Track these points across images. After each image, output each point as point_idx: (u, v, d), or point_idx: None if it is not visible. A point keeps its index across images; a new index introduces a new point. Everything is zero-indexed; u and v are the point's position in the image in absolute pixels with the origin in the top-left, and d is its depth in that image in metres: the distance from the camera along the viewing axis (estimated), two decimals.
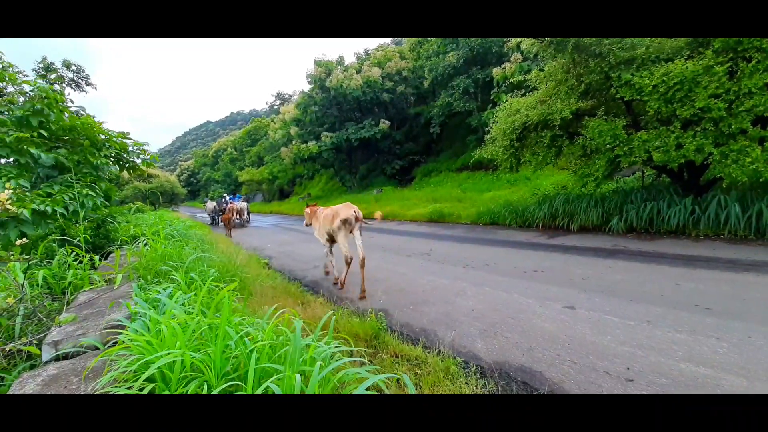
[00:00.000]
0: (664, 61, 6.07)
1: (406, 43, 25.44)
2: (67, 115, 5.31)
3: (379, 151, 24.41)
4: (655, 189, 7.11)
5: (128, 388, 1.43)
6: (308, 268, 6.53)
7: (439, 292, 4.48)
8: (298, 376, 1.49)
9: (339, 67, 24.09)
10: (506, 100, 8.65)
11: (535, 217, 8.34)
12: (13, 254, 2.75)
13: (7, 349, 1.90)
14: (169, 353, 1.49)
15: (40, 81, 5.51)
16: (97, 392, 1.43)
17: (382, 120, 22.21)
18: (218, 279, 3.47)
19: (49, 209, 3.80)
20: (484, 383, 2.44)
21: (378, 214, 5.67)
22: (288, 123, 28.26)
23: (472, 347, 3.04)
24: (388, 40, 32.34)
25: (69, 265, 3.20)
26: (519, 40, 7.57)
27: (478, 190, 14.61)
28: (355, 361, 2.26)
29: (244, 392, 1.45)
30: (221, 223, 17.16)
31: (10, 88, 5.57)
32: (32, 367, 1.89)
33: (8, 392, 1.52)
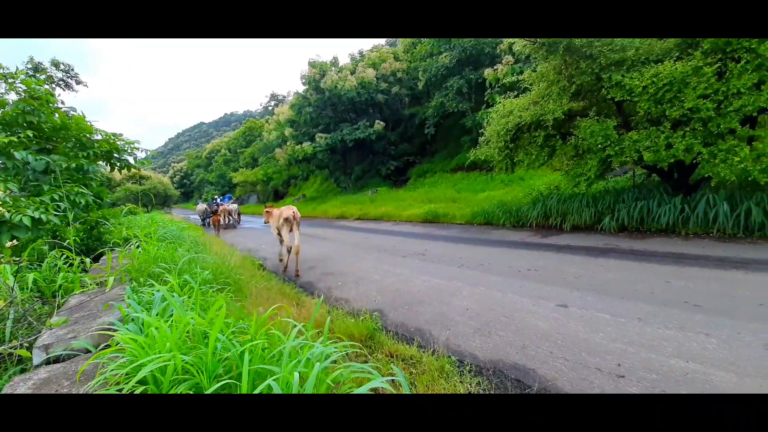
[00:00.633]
0: (654, 63, 6.16)
1: (401, 44, 25.51)
2: (57, 115, 5.24)
3: (373, 151, 24.40)
4: (645, 188, 7.21)
5: (119, 391, 1.42)
6: (303, 269, 6.51)
7: (434, 292, 4.50)
8: (296, 374, 1.49)
9: (333, 68, 24.06)
10: (499, 102, 8.72)
11: (529, 217, 8.40)
12: (3, 257, 2.71)
13: None
14: (160, 356, 1.49)
15: (39, 86, 5.42)
16: (104, 392, 1.42)
17: (377, 121, 22.23)
18: (212, 281, 3.45)
19: (44, 217, 3.75)
20: (479, 381, 2.46)
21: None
22: (282, 124, 28.14)
23: (466, 346, 3.06)
24: (382, 42, 32.38)
25: (59, 267, 3.16)
26: (511, 41, 7.63)
27: (472, 190, 14.69)
28: (350, 359, 2.26)
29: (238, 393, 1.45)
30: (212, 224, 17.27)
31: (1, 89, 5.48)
32: (23, 370, 1.87)
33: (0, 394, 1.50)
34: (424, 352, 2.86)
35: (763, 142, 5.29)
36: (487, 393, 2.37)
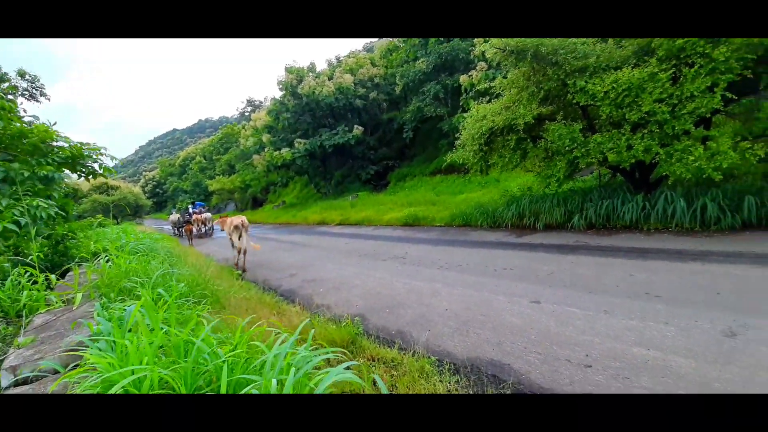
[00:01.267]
0: (614, 69, 6.55)
1: (377, 50, 25.79)
2: (18, 124, 4.99)
3: (353, 156, 24.44)
4: (610, 187, 7.61)
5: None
6: (284, 277, 6.45)
7: (415, 295, 4.58)
8: (274, 381, 1.51)
9: (311, 74, 24.01)
10: (473, 107, 8.99)
11: (504, 218, 8.67)
12: None
13: None
14: (133, 370, 1.47)
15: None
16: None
17: (356, 126, 22.30)
18: (188, 294, 3.38)
19: None
20: (457, 380, 2.54)
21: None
22: (260, 130, 27.71)
23: (445, 346, 3.14)
24: (359, 47, 32.57)
25: (23, 285, 3.02)
26: (483, 48, 7.88)
27: (451, 192, 14.98)
28: (332, 365, 2.29)
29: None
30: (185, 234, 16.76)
31: None
32: None
33: None
34: (404, 353, 2.92)
35: (716, 141, 5.70)
36: (486, 393, 2.42)
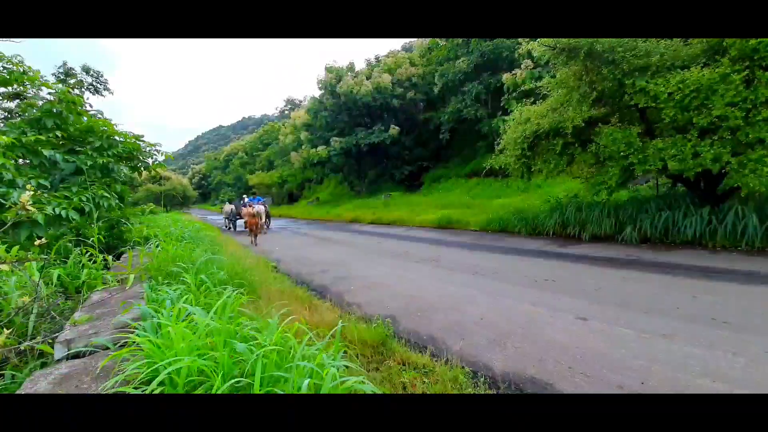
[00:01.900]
0: (680, 69, 5.97)
1: (416, 49, 25.63)
2: (85, 118, 5.46)
3: (388, 156, 24.49)
4: (670, 198, 6.96)
5: (135, 389, 1.43)
6: (316, 272, 6.53)
7: (448, 300, 4.43)
8: (306, 381, 1.47)
9: (349, 74, 24.36)
10: (517, 108, 8.61)
11: (546, 225, 8.22)
12: (32, 253, 2.81)
13: (21, 348, 1.93)
14: (177, 359, 1.50)
15: (60, 85, 5.69)
16: (107, 392, 1.44)
17: (392, 125, 22.31)
18: (227, 281, 3.50)
19: (64, 213, 3.89)
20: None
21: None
22: (298, 128, 28.61)
23: (481, 357, 2.98)
24: (398, 47, 32.62)
25: (83, 264, 3.26)
26: (530, 46, 7.51)
27: (487, 196, 14.51)
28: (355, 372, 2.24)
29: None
30: (239, 227, 16.02)
31: (30, 92, 5.76)
32: (44, 365, 1.91)
33: (21, 390, 1.54)
34: (437, 361, 2.80)
35: None
36: (486, 393, 2.33)
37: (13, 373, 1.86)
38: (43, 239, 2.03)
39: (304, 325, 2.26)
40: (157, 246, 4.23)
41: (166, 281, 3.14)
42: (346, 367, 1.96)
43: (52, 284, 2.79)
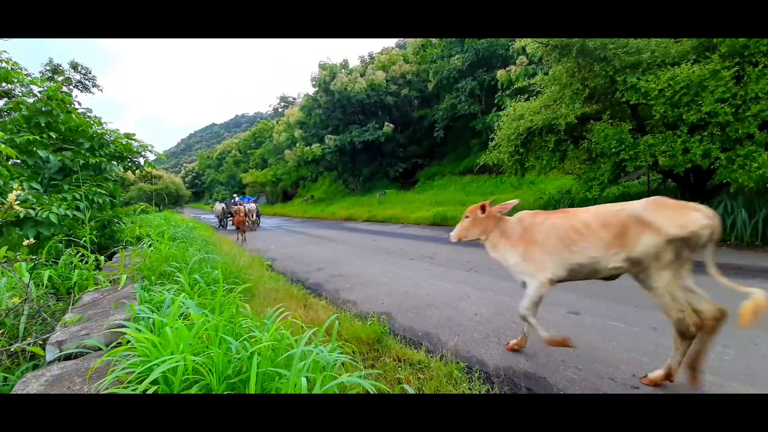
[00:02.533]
0: (670, 66, 6.04)
1: (410, 47, 25.54)
2: (74, 116, 5.36)
3: (382, 153, 24.45)
4: (660, 194, 7.05)
5: (130, 388, 1.43)
6: (311, 270, 6.53)
7: (442, 296, 4.46)
8: (303, 379, 1.48)
9: (343, 71, 24.22)
10: (510, 105, 8.65)
11: None
12: (20, 254, 2.77)
13: (12, 349, 1.91)
14: (171, 357, 1.49)
15: (49, 83, 5.58)
16: (101, 392, 1.43)
17: (386, 123, 22.27)
18: (221, 281, 3.47)
19: (69, 213, 3.86)
20: (488, 389, 2.42)
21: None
22: (292, 126, 28.41)
23: (475, 352, 3.01)
24: (392, 44, 32.51)
25: (75, 265, 3.22)
26: (524, 43, 7.54)
27: (481, 193, 14.58)
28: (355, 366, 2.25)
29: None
30: (229, 226, 16.42)
31: (18, 90, 5.65)
32: (35, 367, 1.89)
33: (12, 392, 1.53)
34: (432, 357, 2.83)
35: None
36: (486, 393, 2.35)
37: (5, 375, 1.84)
38: (31, 240, 2.00)
39: (300, 323, 2.27)
40: (149, 245, 4.19)
41: (159, 281, 3.11)
42: (342, 364, 1.97)
43: (42, 285, 2.75)
